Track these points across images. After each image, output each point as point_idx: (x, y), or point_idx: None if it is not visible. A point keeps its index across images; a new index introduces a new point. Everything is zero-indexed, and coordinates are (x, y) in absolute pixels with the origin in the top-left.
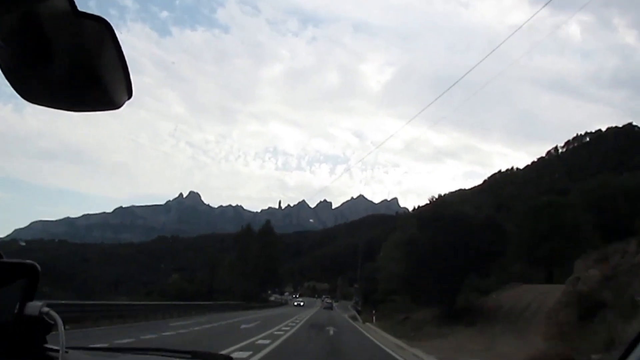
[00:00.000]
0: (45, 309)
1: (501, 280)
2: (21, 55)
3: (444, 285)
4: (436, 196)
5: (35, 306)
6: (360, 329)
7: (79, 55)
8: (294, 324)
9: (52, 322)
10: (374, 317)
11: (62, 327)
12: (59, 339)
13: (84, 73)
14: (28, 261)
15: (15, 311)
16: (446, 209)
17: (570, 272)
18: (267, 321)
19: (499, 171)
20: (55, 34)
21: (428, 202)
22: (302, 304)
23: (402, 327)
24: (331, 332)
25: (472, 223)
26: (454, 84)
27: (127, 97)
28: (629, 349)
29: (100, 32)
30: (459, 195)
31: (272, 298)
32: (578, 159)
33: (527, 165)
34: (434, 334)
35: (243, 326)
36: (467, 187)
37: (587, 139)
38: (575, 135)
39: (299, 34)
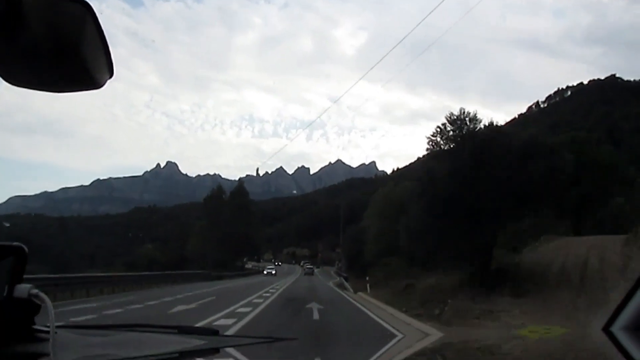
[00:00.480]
0: (35, 291)
1: (526, 233)
2: (2, 39)
3: (477, 239)
4: (456, 113)
5: (24, 288)
6: (355, 303)
7: (60, 38)
8: (261, 300)
9: (42, 304)
10: (368, 286)
11: (52, 309)
12: (47, 320)
13: (65, 55)
14: (15, 243)
15: (4, 294)
16: (476, 127)
17: (607, 219)
18: (225, 297)
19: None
20: (37, 17)
21: (447, 120)
22: (273, 272)
23: (409, 299)
24: (316, 315)
25: (512, 146)
26: (404, 36)
27: (108, 77)
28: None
29: (81, 14)
30: None
31: (249, 266)
32: (560, 114)
33: (507, 122)
34: (473, 311)
35: (177, 308)
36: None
37: (569, 92)
38: (556, 89)
39: (271, 1)
